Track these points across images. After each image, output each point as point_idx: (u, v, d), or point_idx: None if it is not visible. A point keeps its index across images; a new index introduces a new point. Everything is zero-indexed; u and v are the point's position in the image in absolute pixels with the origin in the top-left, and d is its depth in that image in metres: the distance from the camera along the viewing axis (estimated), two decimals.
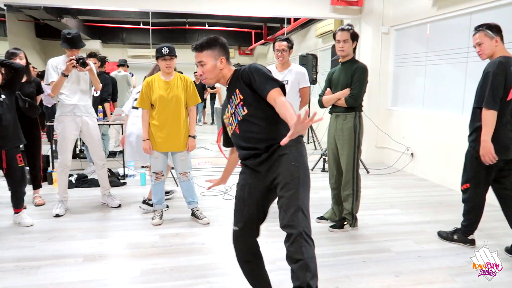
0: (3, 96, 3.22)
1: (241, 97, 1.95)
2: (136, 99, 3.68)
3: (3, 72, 3.29)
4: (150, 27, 6.61)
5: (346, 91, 3.23)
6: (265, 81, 1.89)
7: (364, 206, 3.81)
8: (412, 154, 5.55)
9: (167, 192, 4.16)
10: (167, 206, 3.87)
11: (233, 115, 2.01)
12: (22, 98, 3.71)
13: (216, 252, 3.00)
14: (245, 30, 11.73)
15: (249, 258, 2.21)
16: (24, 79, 3.74)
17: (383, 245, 3.14)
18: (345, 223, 3.40)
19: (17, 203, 3.47)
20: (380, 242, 3.19)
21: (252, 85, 1.91)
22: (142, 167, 5.30)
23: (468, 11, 4.59)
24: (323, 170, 5.67)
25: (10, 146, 3.29)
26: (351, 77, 3.22)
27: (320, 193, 4.50)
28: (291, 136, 1.57)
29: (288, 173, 1.88)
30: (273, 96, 1.84)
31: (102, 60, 5.66)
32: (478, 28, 2.84)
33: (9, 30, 5.71)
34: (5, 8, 5.51)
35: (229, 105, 2.03)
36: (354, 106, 3.25)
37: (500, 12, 4.25)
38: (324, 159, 5.68)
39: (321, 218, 3.61)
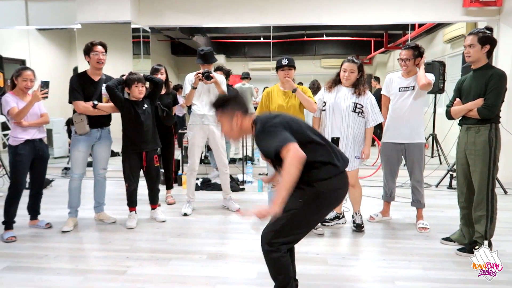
0: (145, 105, 3.71)
1: None
2: None
3: (147, 85, 3.79)
4: (271, 40, 6.90)
5: (479, 101, 2.92)
6: (270, 143, 1.95)
7: (501, 230, 3.37)
8: None
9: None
10: None
11: None
12: (162, 108, 4.21)
13: (331, 263, 2.96)
14: (364, 38, 11.42)
15: None
16: (163, 92, 4.26)
17: None
18: (476, 247, 3.05)
19: (153, 200, 3.95)
20: None
21: None
22: (260, 174, 5.53)
23: None
24: (450, 187, 5.18)
25: (150, 148, 3.76)
26: (485, 85, 2.90)
27: (446, 212, 4.12)
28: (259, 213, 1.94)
29: (289, 200, 1.99)
30: (283, 156, 1.90)
31: (227, 73, 6.10)
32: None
33: (151, 49, 6.56)
34: (149, 30, 6.35)
35: None
36: (489, 117, 2.91)
37: None
38: (451, 175, 5.18)
39: (447, 239, 3.30)
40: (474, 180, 3.00)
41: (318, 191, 2.03)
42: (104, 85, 3.62)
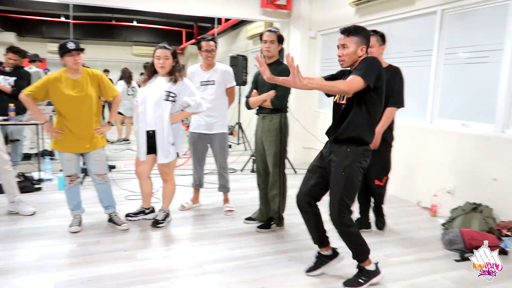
0: None
1: None
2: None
3: None
4: (71, 20, 6.17)
5: (272, 93, 3.27)
6: (363, 71, 2.31)
7: (292, 205, 3.83)
8: None
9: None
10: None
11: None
12: None
13: (140, 258, 2.86)
14: (176, 28, 11.48)
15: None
16: None
17: (309, 243, 3.17)
18: (272, 222, 3.44)
19: None
20: (306, 240, 3.24)
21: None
22: (60, 170, 4.92)
23: (387, 19, 4.90)
24: (253, 171, 5.71)
25: None
26: None
27: (249, 194, 4.52)
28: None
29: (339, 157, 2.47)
30: (352, 79, 2.29)
31: (23, 55, 5.19)
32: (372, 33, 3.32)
33: None
34: None
35: None
36: (279, 107, 3.30)
37: (413, 22, 4.59)
38: (254, 159, 5.71)
39: (249, 219, 3.62)
40: (268, 163, 3.36)
41: (366, 149, 2.45)
42: None
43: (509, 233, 3.21)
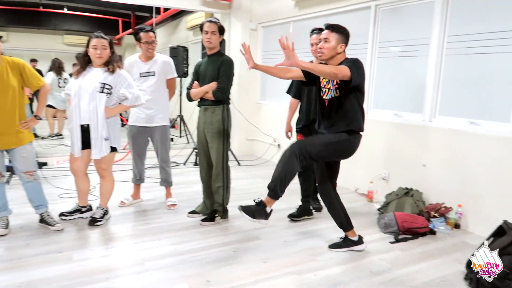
0: None
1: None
2: None
3: None
4: None
5: (214, 85, 3.22)
6: (352, 71, 2.52)
7: (235, 197, 3.88)
8: (279, 145, 5.89)
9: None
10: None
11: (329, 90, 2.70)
12: None
13: (77, 259, 2.70)
14: (111, 17, 10.94)
15: None
16: None
17: (253, 233, 3.25)
18: (216, 215, 3.42)
19: None
20: (250, 231, 3.29)
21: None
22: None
23: (325, 13, 5.03)
24: (196, 164, 5.63)
25: None
26: (218, 70, 3.22)
27: (192, 187, 4.45)
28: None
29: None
30: (341, 68, 2.51)
31: None
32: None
33: None
34: None
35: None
36: (221, 99, 3.26)
37: (350, 16, 4.76)
38: (196, 152, 5.64)
39: (193, 212, 3.56)
40: (212, 156, 3.32)
41: (347, 137, 2.67)
42: None
43: (436, 215, 3.47)
